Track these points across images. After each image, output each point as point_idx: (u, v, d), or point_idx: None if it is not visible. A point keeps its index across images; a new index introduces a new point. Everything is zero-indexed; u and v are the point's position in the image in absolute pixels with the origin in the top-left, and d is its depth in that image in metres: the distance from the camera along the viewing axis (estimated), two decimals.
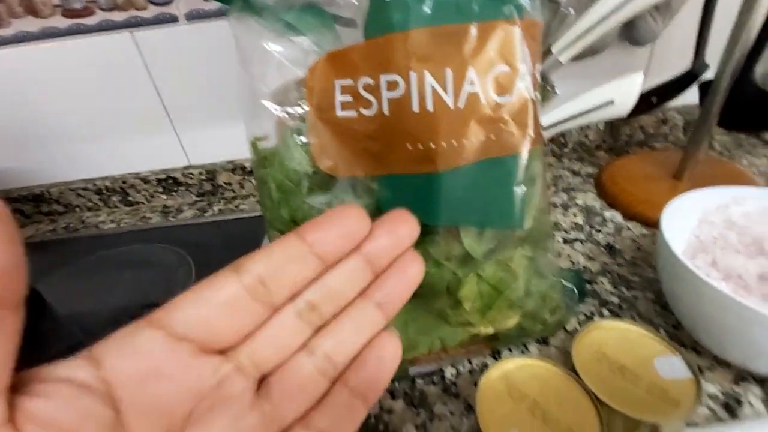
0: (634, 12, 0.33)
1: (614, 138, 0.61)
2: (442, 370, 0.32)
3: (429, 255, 0.25)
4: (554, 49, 0.34)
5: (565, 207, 0.49)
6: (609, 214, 0.48)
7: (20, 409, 0.10)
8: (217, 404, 0.13)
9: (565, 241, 0.44)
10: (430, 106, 0.21)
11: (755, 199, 0.34)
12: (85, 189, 0.58)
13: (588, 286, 0.38)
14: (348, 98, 0.22)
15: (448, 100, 0.21)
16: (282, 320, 0.14)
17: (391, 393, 0.31)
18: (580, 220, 0.47)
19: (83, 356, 0.12)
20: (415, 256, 0.16)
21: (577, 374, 0.26)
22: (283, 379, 0.14)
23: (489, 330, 0.28)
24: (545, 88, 0.37)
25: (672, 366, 0.27)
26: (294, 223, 0.25)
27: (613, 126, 0.60)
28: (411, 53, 0.21)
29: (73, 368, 0.12)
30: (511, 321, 0.28)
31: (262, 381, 0.14)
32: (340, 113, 0.22)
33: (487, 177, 0.23)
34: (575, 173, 0.56)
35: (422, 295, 0.27)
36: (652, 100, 0.48)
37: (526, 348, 0.32)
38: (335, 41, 0.25)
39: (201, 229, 0.54)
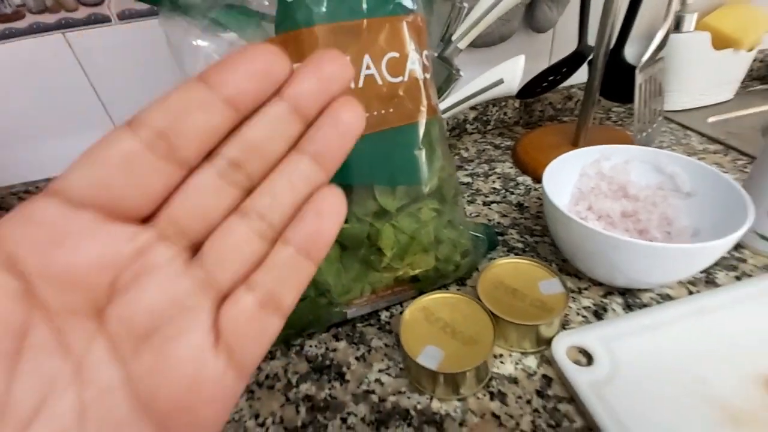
0: (515, 2, 0.40)
1: (529, 114, 0.70)
2: (377, 313, 0.37)
3: (351, 212, 0.31)
4: (453, 38, 0.40)
5: (486, 175, 0.57)
6: (522, 179, 0.55)
7: None
8: (142, 273, 0.12)
9: (485, 203, 0.51)
10: None
11: (619, 154, 0.42)
12: (26, 192, 0.58)
13: (500, 237, 0.45)
14: None
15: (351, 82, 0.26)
16: (202, 181, 0.13)
17: (335, 336, 0.36)
18: (498, 185, 0.54)
19: None
20: (349, 101, 0.14)
21: (480, 300, 0.33)
22: (215, 243, 0.13)
23: (409, 272, 0.34)
24: (450, 72, 0.43)
25: (551, 285, 0.34)
26: None
27: (526, 104, 0.69)
28: (315, 45, 0.26)
29: None
30: (427, 264, 0.34)
31: (194, 249, 0.13)
32: None
33: (391, 142, 0.29)
34: (496, 146, 0.64)
35: (350, 247, 0.33)
36: (549, 79, 0.56)
37: (446, 288, 0.39)
38: (262, 35, 0.29)
39: None
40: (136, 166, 0.12)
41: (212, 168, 0.13)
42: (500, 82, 0.40)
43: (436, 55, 0.42)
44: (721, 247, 0.30)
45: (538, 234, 0.45)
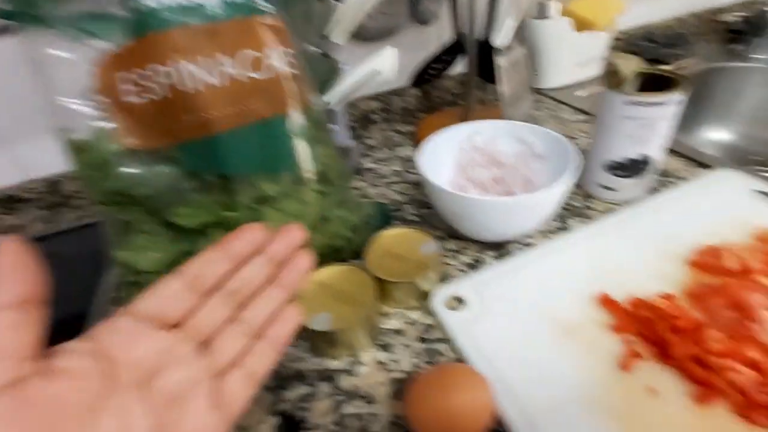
0: None
1: (429, 101, 0.75)
2: None
3: (237, 202, 0.33)
4: (328, 33, 0.44)
5: (389, 160, 0.61)
6: None
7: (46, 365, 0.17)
8: (171, 361, 0.20)
9: (386, 184, 0.55)
10: (199, 87, 0.28)
11: (488, 129, 0.48)
12: None
13: (397, 212, 0.50)
14: (135, 88, 0.28)
15: (212, 80, 0.29)
16: (213, 303, 0.22)
17: None
18: (399, 167, 0.59)
19: (81, 338, 0.19)
20: (303, 253, 0.26)
21: (368, 267, 0.37)
22: (218, 340, 0.22)
23: None
24: (333, 66, 0.47)
25: (430, 247, 0.39)
26: (118, 194, 0.30)
27: (425, 92, 0.74)
28: (172, 48, 0.28)
29: (76, 342, 0.19)
30: (317, 241, 0.38)
31: (205, 345, 0.22)
32: (130, 99, 0.29)
33: (263, 134, 0.32)
34: (400, 133, 0.69)
35: None
36: (434, 67, 0.62)
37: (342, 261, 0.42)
38: (128, 40, 0.30)
39: (56, 239, 0.55)
40: (179, 297, 0.22)
41: (220, 295, 0.23)
42: (378, 72, 0.44)
43: (317, 50, 0.45)
44: (552, 194, 0.36)
45: (430, 206, 0.50)
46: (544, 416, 0.27)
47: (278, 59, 0.32)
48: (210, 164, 0.31)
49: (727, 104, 0.82)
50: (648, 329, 0.30)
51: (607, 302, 0.33)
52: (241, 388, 0.22)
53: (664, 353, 0.29)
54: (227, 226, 0.34)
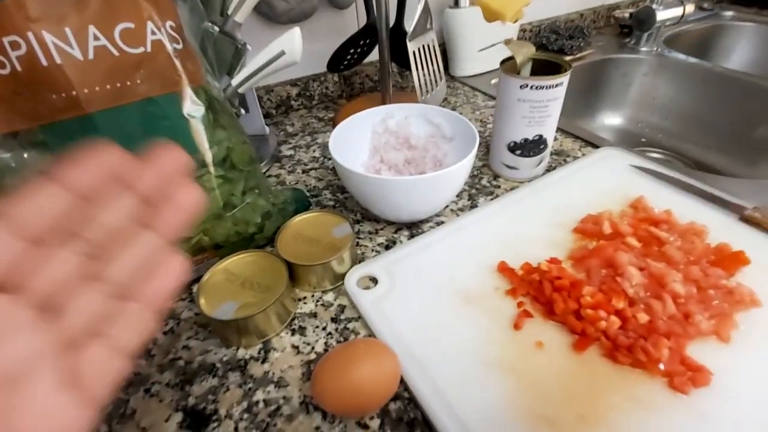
0: None
1: (350, 87, 0.75)
2: (189, 287, 0.38)
3: None
4: (229, 12, 0.42)
5: (308, 146, 0.60)
6: None
7: None
8: (2, 332, 0.14)
9: (304, 171, 0.55)
10: (58, 60, 0.25)
11: (400, 111, 0.49)
12: None
13: (315, 198, 0.49)
14: None
15: (76, 53, 0.26)
16: (59, 255, 0.16)
17: None
18: (317, 154, 0.58)
19: None
20: (187, 183, 0.18)
21: (279, 253, 0.36)
22: (69, 303, 0.16)
23: (205, 239, 0.35)
24: (237, 47, 0.44)
25: (342, 229, 0.39)
26: None
27: (346, 78, 0.74)
28: (25, 16, 0.25)
29: None
30: (225, 228, 0.36)
31: (49, 309, 0.16)
32: None
33: (146, 113, 0.30)
34: (320, 119, 0.68)
35: None
36: (351, 52, 0.62)
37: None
38: None
39: None
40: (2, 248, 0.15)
41: (68, 244, 0.16)
42: (282, 53, 0.43)
43: (217, 29, 0.43)
44: (457, 170, 0.37)
45: (348, 192, 0.50)
46: (449, 381, 0.29)
47: (160, 33, 0.30)
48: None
49: (619, 92, 0.92)
50: (537, 290, 0.33)
51: (504, 269, 0.36)
52: (103, 363, 0.16)
53: (549, 310, 0.32)
54: None
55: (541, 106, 0.43)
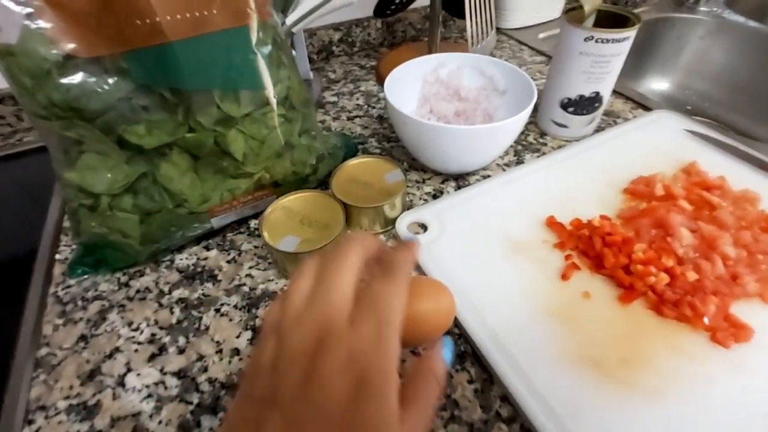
0: None
1: (392, 35, 0.73)
2: (246, 221, 0.40)
3: (197, 123, 0.32)
4: None
5: (351, 94, 0.60)
6: (383, 94, 0.59)
7: None
8: None
9: (348, 118, 0.55)
10: None
11: (452, 61, 0.48)
12: None
13: (361, 145, 0.50)
14: None
15: None
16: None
17: (206, 247, 0.38)
18: (361, 102, 0.58)
19: None
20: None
21: (334, 194, 0.37)
22: None
23: (266, 176, 0.37)
24: None
25: (394, 176, 0.40)
26: (53, 105, 0.28)
27: (389, 25, 0.71)
28: None
29: None
30: (283, 167, 0.37)
31: None
32: None
33: (221, 46, 0.30)
34: (362, 67, 0.67)
35: (201, 157, 0.34)
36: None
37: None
38: None
39: None
40: None
41: None
42: None
43: None
44: (510, 125, 0.37)
45: (394, 140, 0.51)
46: (498, 321, 0.30)
47: None
48: (163, 77, 0.29)
49: (670, 55, 0.87)
50: (586, 245, 0.34)
51: (553, 224, 0.37)
52: None
53: (597, 264, 0.33)
54: (188, 148, 0.33)
55: (603, 61, 0.42)
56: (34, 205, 0.45)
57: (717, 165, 0.42)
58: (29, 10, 0.26)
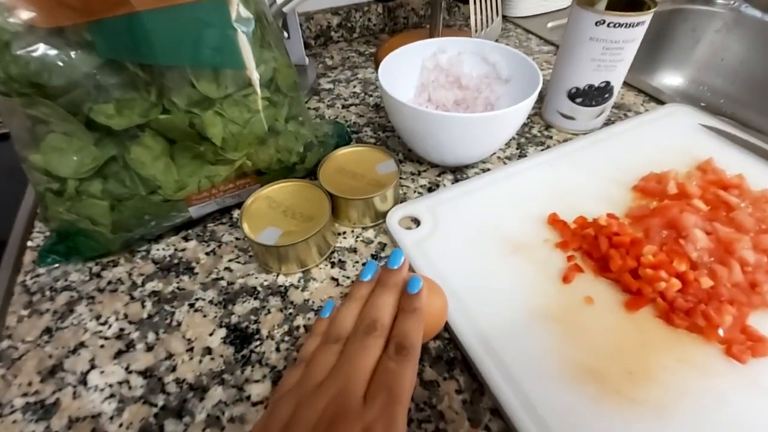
0: None
1: (393, 21, 0.70)
2: (229, 211, 0.38)
3: (171, 103, 0.29)
4: None
5: (348, 81, 0.57)
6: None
7: None
8: None
9: (344, 106, 0.52)
10: None
11: (452, 46, 0.45)
12: None
13: (356, 134, 0.47)
14: None
15: None
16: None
17: (185, 237, 0.36)
18: (358, 89, 0.55)
19: None
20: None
21: (321, 184, 0.35)
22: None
23: (248, 164, 0.34)
24: None
25: (387, 166, 0.37)
26: (12, 79, 0.25)
27: (390, 10, 0.68)
28: None
29: None
30: (267, 155, 0.35)
31: None
32: None
33: (194, 18, 0.27)
34: (361, 54, 0.64)
35: (177, 140, 0.31)
36: None
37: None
38: None
39: None
40: None
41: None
42: None
43: None
44: (511, 114, 0.35)
45: (390, 130, 0.48)
46: (491, 325, 0.28)
47: None
48: (132, 51, 0.27)
49: (685, 49, 0.83)
50: (590, 245, 0.32)
51: (555, 221, 0.34)
52: None
53: (602, 267, 0.31)
54: (161, 130, 0.30)
55: (616, 48, 0.39)
56: (14, 189, 0.43)
57: (735, 162, 0.39)
58: None
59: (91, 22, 0.25)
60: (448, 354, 0.28)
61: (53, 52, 0.26)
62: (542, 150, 0.44)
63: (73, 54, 0.26)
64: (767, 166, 0.40)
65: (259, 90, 0.32)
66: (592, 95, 0.43)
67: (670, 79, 0.85)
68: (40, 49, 0.25)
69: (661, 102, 0.51)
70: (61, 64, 0.26)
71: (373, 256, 0.34)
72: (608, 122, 0.48)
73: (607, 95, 0.43)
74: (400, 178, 0.40)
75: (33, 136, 0.29)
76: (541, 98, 0.49)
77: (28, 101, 0.27)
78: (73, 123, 0.28)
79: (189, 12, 0.27)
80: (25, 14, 0.25)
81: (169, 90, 0.29)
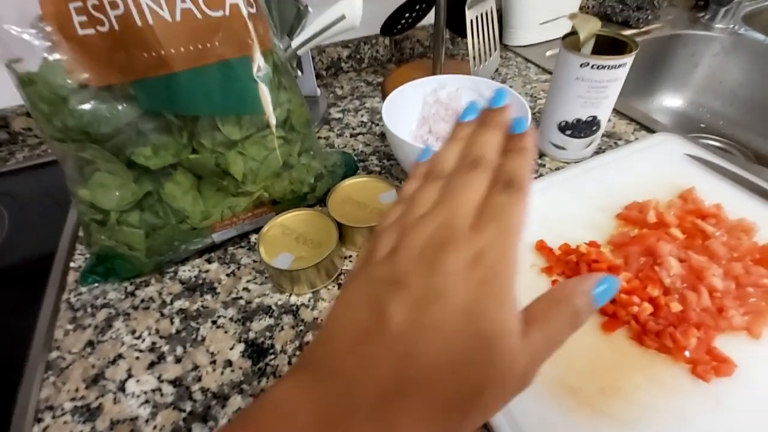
0: None
1: (400, 52, 0.74)
2: (247, 236, 0.42)
3: (200, 145, 0.34)
4: None
5: (356, 110, 0.61)
6: None
7: None
8: None
9: (352, 135, 0.56)
10: (150, 20, 0.28)
11: (451, 83, 0.49)
12: None
13: (362, 163, 0.51)
14: (83, 18, 0.27)
15: (165, 15, 0.28)
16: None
17: (208, 260, 0.40)
18: (365, 119, 0.60)
19: None
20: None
21: (330, 213, 0.39)
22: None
23: (265, 194, 0.38)
24: (299, 8, 0.45)
25: (389, 196, 0.41)
26: (68, 129, 0.30)
27: (396, 42, 0.73)
28: None
29: None
30: (282, 186, 0.39)
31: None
32: (80, 32, 0.28)
33: (223, 75, 0.32)
34: (369, 83, 0.68)
35: (204, 177, 0.36)
36: (406, 17, 0.61)
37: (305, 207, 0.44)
38: None
39: (7, 178, 0.53)
40: None
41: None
42: (342, 17, 0.43)
43: None
44: None
45: (394, 159, 0.52)
46: None
47: None
48: (169, 104, 0.31)
49: (684, 72, 0.86)
50: (572, 271, 0.35)
51: (542, 248, 0.37)
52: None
53: None
54: (191, 168, 0.35)
55: (600, 87, 0.42)
56: (56, 213, 0.48)
57: (717, 191, 0.42)
58: (48, 43, 0.28)
59: (135, 81, 0.30)
60: None
61: (103, 105, 0.30)
62: (536, 178, 0.48)
63: (119, 106, 0.31)
64: (747, 195, 0.42)
65: (275, 130, 0.37)
66: (581, 128, 0.46)
67: (670, 101, 0.87)
68: (92, 103, 0.30)
69: (651, 130, 0.54)
70: (108, 115, 0.31)
71: None
72: (599, 150, 0.51)
73: (594, 128, 0.46)
74: None
75: (82, 174, 0.33)
76: (535, 127, 0.53)
77: (80, 146, 0.32)
78: (116, 163, 0.33)
79: (218, 70, 0.32)
80: (81, 75, 0.29)
81: (198, 133, 0.33)
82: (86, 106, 0.30)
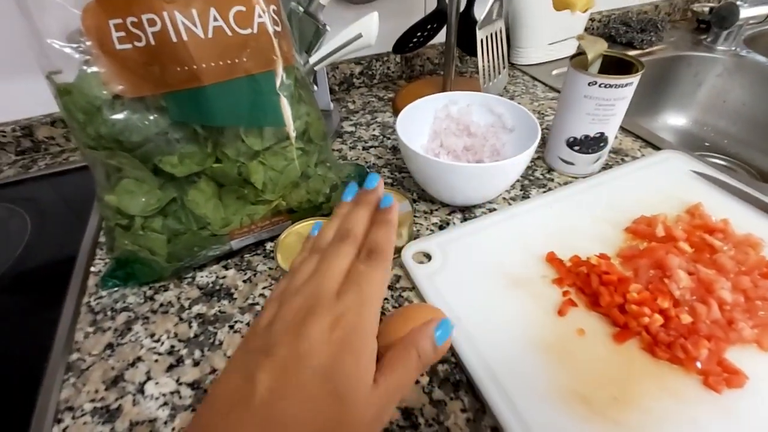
0: None
1: (410, 69, 0.76)
2: (263, 244, 0.43)
3: (224, 154, 0.35)
4: None
5: (368, 124, 0.63)
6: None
7: None
8: None
9: (364, 148, 0.58)
10: (184, 37, 0.29)
11: (463, 99, 0.51)
12: None
13: None
14: (122, 33, 0.29)
15: (198, 32, 0.30)
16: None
17: (225, 266, 0.41)
18: (377, 132, 0.61)
19: None
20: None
21: None
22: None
23: (283, 203, 0.40)
24: (317, 27, 0.47)
25: (402, 207, 0.42)
26: (101, 137, 0.32)
27: (407, 60, 0.75)
28: None
29: None
30: (299, 196, 0.40)
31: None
32: (118, 47, 0.29)
33: (249, 89, 0.33)
34: (380, 99, 0.70)
35: (226, 185, 0.37)
36: (418, 35, 0.63)
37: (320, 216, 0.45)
38: None
39: (29, 184, 0.55)
40: None
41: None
42: (359, 36, 0.45)
43: (302, 10, 0.46)
44: (516, 163, 0.39)
45: (405, 171, 0.53)
46: (493, 352, 0.32)
47: (265, 16, 0.33)
48: (197, 115, 0.33)
49: (688, 92, 0.88)
50: (583, 282, 0.35)
51: (553, 260, 0.38)
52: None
53: (594, 302, 0.34)
54: (214, 176, 0.36)
55: (608, 105, 0.44)
56: (76, 219, 0.49)
57: (723, 207, 0.43)
58: (87, 57, 0.30)
59: (167, 93, 0.32)
60: (455, 377, 0.32)
61: (135, 115, 0.32)
62: (544, 192, 0.49)
63: (150, 117, 0.32)
64: (752, 211, 0.43)
65: (294, 142, 0.38)
66: (589, 144, 0.47)
67: (675, 119, 0.89)
68: (125, 113, 0.32)
69: (656, 147, 0.55)
70: (140, 125, 0.32)
71: (389, 287, 0.39)
72: (606, 166, 0.52)
73: (602, 144, 0.47)
74: (414, 216, 0.45)
75: (109, 180, 0.35)
76: (544, 143, 0.54)
77: (110, 154, 0.33)
78: (144, 170, 0.34)
79: (244, 84, 0.33)
80: (116, 86, 0.31)
81: (223, 143, 0.35)
82: (119, 116, 0.31)
